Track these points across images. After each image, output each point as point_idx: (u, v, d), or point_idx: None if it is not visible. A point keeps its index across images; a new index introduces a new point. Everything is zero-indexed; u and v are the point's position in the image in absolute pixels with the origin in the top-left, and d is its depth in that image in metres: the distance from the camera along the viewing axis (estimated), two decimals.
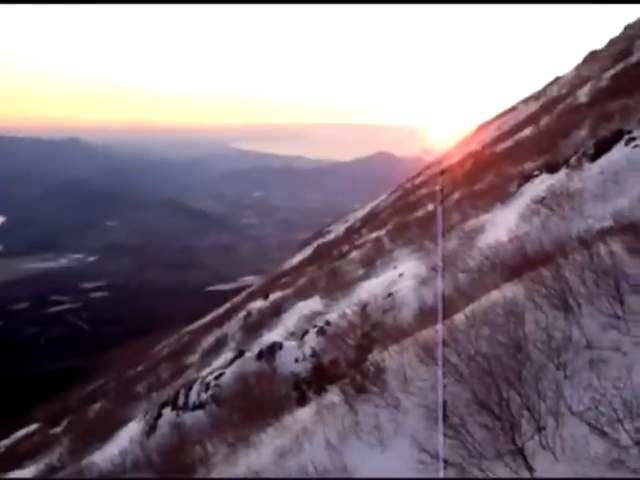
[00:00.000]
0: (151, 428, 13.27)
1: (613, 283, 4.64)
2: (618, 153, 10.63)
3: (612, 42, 40.12)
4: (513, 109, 49.02)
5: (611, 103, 18.11)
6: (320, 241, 48.74)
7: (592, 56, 41.99)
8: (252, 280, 70.38)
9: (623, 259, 4.95)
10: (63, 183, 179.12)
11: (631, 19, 40.54)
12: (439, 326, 5.75)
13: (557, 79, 46.01)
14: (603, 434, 3.43)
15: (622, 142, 10.81)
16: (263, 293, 28.48)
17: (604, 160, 10.83)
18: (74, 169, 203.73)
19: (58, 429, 23.50)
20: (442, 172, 34.35)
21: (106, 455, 12.97)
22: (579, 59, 44.35)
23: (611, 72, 28.98)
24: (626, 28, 40.28)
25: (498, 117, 51.36)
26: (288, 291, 24.33)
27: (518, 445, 3.75)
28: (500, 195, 15.15)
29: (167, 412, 13.42)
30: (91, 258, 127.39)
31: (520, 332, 4.71)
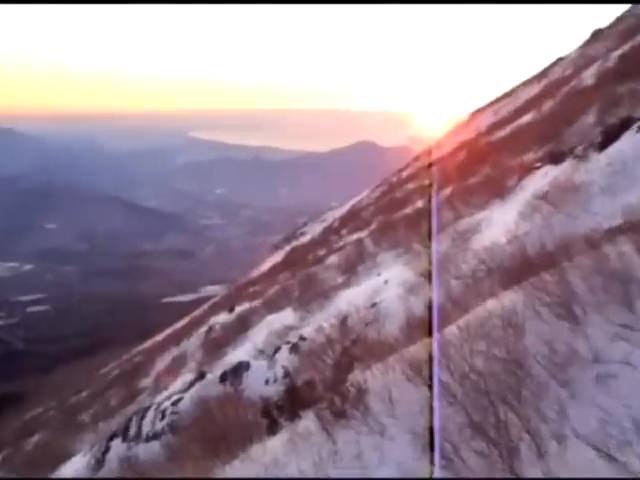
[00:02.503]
0: (98, 462, 13.11)
1: (623, 289, 4.71)
2: (627, 142, 10.81)
3: (618, 20, 40.91)
4: (511, 93, 49.66)
5: (620, 86, 18.44)
6: (293, 244, 48.73)
7: (597, 35, 42.75)
8: (215, 290, 70.04)
9: (634, 261, 5.02)
10: None
11: None
12: (429, 340, 5.78)
13: (560, 60, 46.71)
14: (611, 459, 3.47)
15: (632, 130, 11.01)
16: (227, 305, 28.39)
17: (612, 150, 11.01)
18: (7, 163, 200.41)
19: None
20: (432, 164, 34.64)
21: None
22: (583, 38, 45.09)
23: (618, 52, 29.53)
24: (633, 4, 41.09)
25: (494, 102, 51.97)
26: (256, 302, 24.27)
27: (517, 473, 3.79)
28: (497, 190, 15.32)
29: (117, 444, 13.26)
30: (27, 266, 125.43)
31: (520, 345, 4.76)
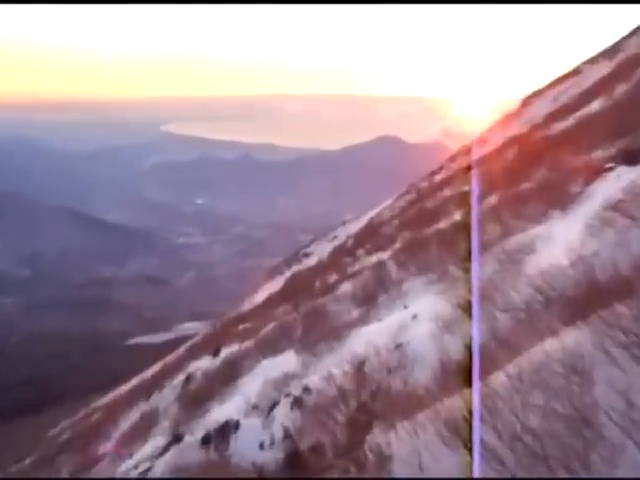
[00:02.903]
0: None
1: None
2: None
3: None
4: (575, 73, 49.77)
5: None
6: (295, 268, 48.68)
7: None
8: (194, 328, 69.88)
9: None
10: None
11: None
12: (469, 391, 5.78)
13: (638, 30, 46.84)
14: None
15: None
16: (211, 347, 28.36)
17: None
18: None
19: None
20: (472, 165, 34.66)
21: None
22: None
23: None
24: None
25: (553, 85, 52.06)
26: (248, 343, 24.25)
27: None
28: (557, 198, 15.32)
29: None
30: None
31: (587, 398, 4.75)
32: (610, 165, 14.30)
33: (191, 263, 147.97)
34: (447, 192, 35.27)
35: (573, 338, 5.76)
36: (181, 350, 41.33)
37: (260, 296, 46.93)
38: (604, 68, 42.88)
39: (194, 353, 33.29)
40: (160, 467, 12.82)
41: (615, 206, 11.53)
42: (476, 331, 9.83)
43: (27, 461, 30.81)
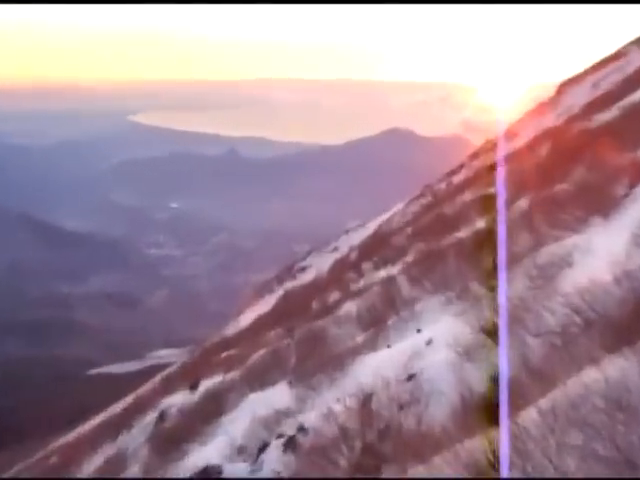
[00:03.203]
0: None
1: None
2: None
3: None
4: (618, 56, 49.92)
5: None
6: (289, 285, 48.71)
7: None
8: (169, 356, 69.95)
9: None
10: None
11: None
12: (495, 431, 5.78)
13: None
14: None
15: None
16: (189, 378, 28.35)
17: None
18: None
19: None
20: (498, 163, 34.76)
21: None
22: None
23: None
24: None
25: (593, 69, 52.23)
26: (233, 374, 24.24)
27: None
28: (598, 202, 15.36)
29: None
30: None
31: (633, 438, 4.76)
32: None
33: (165, 279, 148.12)
34: (468, 195, 35.33)
35: (617, 368, 5.76)
36: (153, 382, 41.30)
37: (247, 318, 46.91)
38: None
39: (169, 386, 33.26)
40: None
41: None
42: (503, 359, 9.84)
43: None
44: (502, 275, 14.40)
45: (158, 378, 42.64)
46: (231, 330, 45.97)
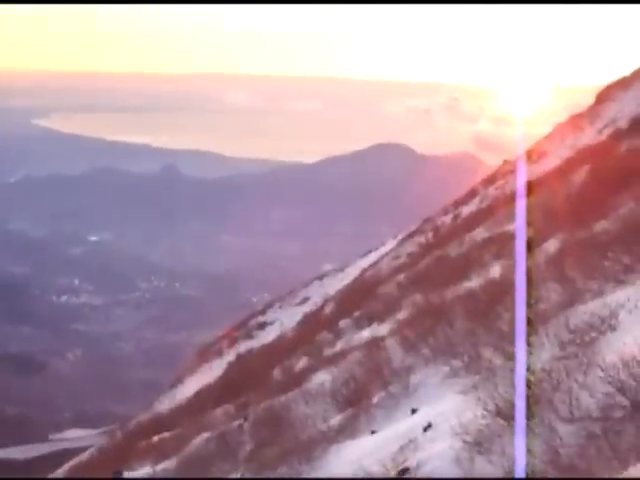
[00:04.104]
0: None
1: None
2: None
3: None
4: None
5: None
6: (243, 347, 48.71)
7: None
8: (81, 438, 69.40)
9: None
10: None
11: None
12: None
13: None
14: None
15: None
16: (108, 469, 28.24)
17: None
18: None
19: None
20: (520, 192, 35.06)
21: None
22: None
23: None
24: None
25: None
26: (167, 464, 24.21)
27: None
28: None
29: None
30: None
31: None
32: None
33: (79, 336, 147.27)
34: (481, 233, 35.54)
35: None
36: (61, 472, 40.87)
37: (187, 390, 46.77)
38: None
39: (81, 478, 32.93)
40: None
41: None
42: (521, 451, 9.85)
43: None
44: (523, 340, 14.44)
45: (66, 468, 42.25)
46: (165, 406, 45.77)
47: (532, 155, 45.37)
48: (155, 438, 32.12)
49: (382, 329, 26.28)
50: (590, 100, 55.30)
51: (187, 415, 34.78)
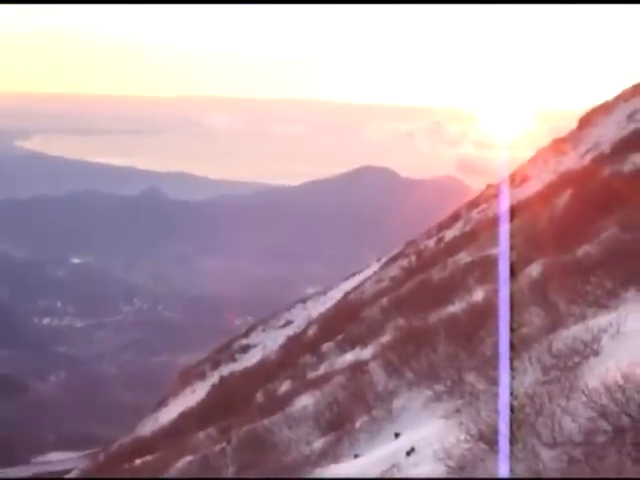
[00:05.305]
0: None
1: None
2: None
3: None
4: None
5: None
6: (226, 370, 48.59)
7: None
8: (62, 460, 69.02)
9: None
10: None
11: None
12: None
13: None
14: None
15: None
16: None
17: None
18: None
19: None
20: (503, 216, 35.17)
21: None
22: None
23: None
24: None
25: (626, 96, 53.11)
26: None
27: None
28: (634, 270, 15.53)
29: None
30: None
31: None
32: None
33: (61, 359, 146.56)
34: (464, 257, 35.57)
35: None
36: None
37: (169, 413, 46.59)
38: None
39: None
40: None
41: None
42: (504, 476, 9.82)
43: None
44: (506, 364, 14.44)
45: None
46: (147, 429, 45.58)
47: (515, 179, 45.52)
48: (138, 461, 31.99)
49: (365, 353, 26.24)
50: (573, 124, 55.55)
51: (170, 438, 34.64)
